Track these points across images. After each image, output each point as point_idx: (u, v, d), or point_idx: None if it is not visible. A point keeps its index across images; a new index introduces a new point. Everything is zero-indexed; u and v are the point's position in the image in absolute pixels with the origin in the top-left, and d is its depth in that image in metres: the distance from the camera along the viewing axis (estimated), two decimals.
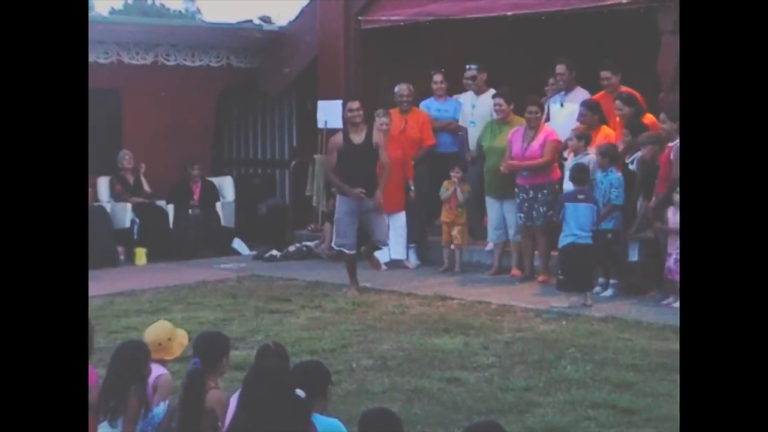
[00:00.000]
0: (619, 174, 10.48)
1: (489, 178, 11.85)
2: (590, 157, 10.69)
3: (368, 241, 11.46)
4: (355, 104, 10.72)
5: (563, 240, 10.33)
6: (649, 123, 10.68)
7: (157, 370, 5.76)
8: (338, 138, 10.93)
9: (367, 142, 10.71)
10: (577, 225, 10.22)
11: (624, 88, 11.17)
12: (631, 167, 10.54)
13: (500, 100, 11.77)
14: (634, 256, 10.54)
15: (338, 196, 11.00)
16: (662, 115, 10.25)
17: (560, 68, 11.75)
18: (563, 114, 11.67)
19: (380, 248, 11.57)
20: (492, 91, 12.28)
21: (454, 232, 12.15)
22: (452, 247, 12.24)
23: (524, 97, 11.57)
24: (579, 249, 10.21)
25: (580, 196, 10.30)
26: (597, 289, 10.61)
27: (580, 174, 10.41)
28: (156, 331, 6.14)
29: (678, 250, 9.75)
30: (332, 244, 11.46)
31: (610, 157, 10.48)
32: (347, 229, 10.83)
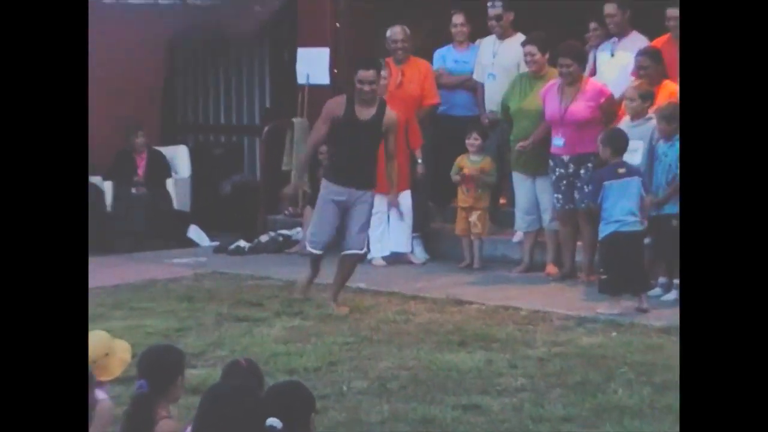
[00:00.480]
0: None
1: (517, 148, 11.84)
2: (652, 122, 10.67)
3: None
4: (370, 74, 10.29)
5: (604, 229, 10.31)
6: None
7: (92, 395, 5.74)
8: (338, 105, 10.59)
9: (376, 120, 10.41)
10: (621, 208, 10.20)
11: None
12: None
13: (533, 48, 11.75)
14: None
15: (323, 179, 10.83)
16: None
17: (610, 8, 11.73)
18: (615, 66, 11.72)
19: (350, 254, 10.68)
20: (520, 36, 12.26)
21: (473, 218, 12.15)
22: (471, 237, 12.24)
23: (556, 47, 11.55)
24: (626, 238, 10.21)
25: (621, 170, 10.26)
26: (657, 290, 10.61)
27: (618, 142, 10.37)
28: (90, 344, 6.11)
29: None
30: (306, 246, 11.08)
31: (676, 121, 10.44)
32: (323, 223, 10.65)
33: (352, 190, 10.42)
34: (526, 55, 11.82)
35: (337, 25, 13.98)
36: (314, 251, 10.64)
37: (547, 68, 11.76)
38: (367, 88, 10.25)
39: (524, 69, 11.96)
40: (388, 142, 10.53)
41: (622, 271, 10.23)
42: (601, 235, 10.40)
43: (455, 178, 12.21)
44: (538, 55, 11.72)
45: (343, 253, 10.60)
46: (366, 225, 10.70)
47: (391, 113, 10.50)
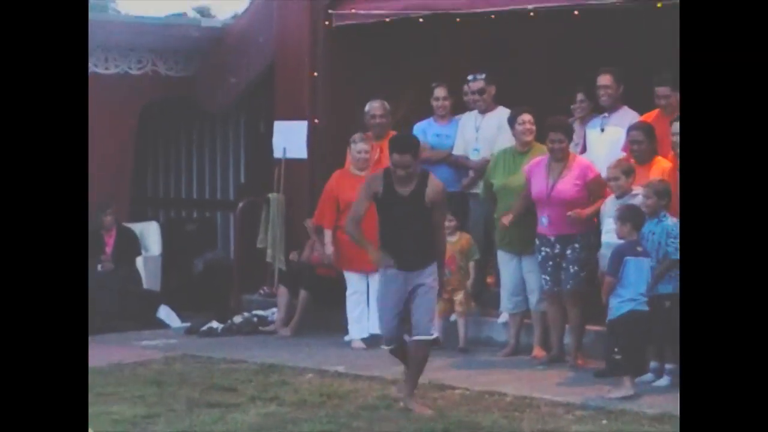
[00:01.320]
0: (676, 219, 10.46)
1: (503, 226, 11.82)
2: (638, 198, 10.68)
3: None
4: (406, 158, 9.68)
5: (620, 307, 10.25)
6: None
7: None
8: (377, 181, 9.98)
9: (418, 195, 9.77)
10: (637, 286, 10.21)
11: None
12: None
13: (528, 117, 11.77)
14: None
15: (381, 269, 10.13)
16: None
17: (605, 79, 11.75)
18: (605, 142, 11.74)
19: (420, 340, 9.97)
20: (502, 110, 12.34)
21: (457, 299, 12.14)
22: (454, 318, 12.20)
23: (544, 120, 11.58)
24: (641, 318, 10.21)
25: (639, 249, 10.28)
26: (648, 376, 10.56)
27: (637, 218, 10.36)
28: None
29: None
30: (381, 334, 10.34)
31: (664, 198, 10.47)
32: (388, 314, 9.98)
33: (410, 273, 9.82)
34: (520, 124, 11.80)
35: (316, 97, 13.98)
36: (387, 347, 10.13)
37: (535, 143, 11.77)
38: (401, 172, 9.70)
39: (506, 144, 11.96)
40: (434, 216, 9.88)
41: (636, 351, 10.22)
42: (617, 313, 10.34)
43: None
44: (532, 126, 11.75)
45: (411, 340, 9.97)
46: (431, 308, 9.98)
47: (434, 183, 9.88)
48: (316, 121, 13.86)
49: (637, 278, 10.21)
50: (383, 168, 10.30)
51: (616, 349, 10.36)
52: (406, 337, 9.99)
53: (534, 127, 11.75)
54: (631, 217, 10.41)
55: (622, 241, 10.39)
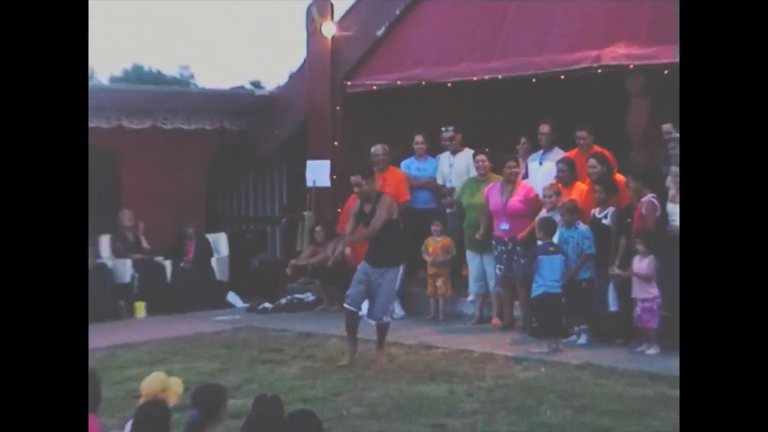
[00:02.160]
0: (586, 226, 10.51)
1: (470, 233, 11.83)
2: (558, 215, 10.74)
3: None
4: (356, 178, 9.83)
5: (537, 290, 10.31)
6: (619, 181, 10.72)
7: None
8: (354, 203, 10.28)
9: (374, 212, 9.77)
10: (549, 275, 10.21)
11: (596, 148, 11.21)
12: (605, 221, 10.53)
13: (483, 157, 11.81)
14: (614, 306, 10.47)
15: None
16: (628, 178, 10.33)
17: (545, 128, 11.76)
18: (541, 171, 11.68)
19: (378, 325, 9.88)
20: (468, 151, 12.34)
21: (439, 282, 12.16)
22: (437, 297, 12.21)
23: (499, 156, 11.58)
24: (551, 298, 10.21)
25: (551, 248, 10.31)
26: (573, 337, 10.56)
27: (549, 227, 10.43)
28: (151, 383, 6.04)
29: (649, 298, 9.81)
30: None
31: (575, 213, 10.54)
32: (353, 288, 9.86)
33: (374, 269, 9.78)
34: (477, 161, 11.82)
35: (336, 143, 13.99)
36: (348, 307, 9.82)
37: (490, 173, 11.79)
38: (356, 189, 9.90)
39: (473, 174, 11.99)
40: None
41: (548, 321, 10.22)
42: (534, 294, 10.39)
43: (425, 256, 12.25)
44: (487, 163, 11.76)
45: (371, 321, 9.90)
46: (386, 300, 9.88)
47: (385, 200, 9.89)
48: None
49: (550, 270, 10.20)
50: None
51: (533, 319, 10.42)
52: (364, 317, 9.90)
53: (488, 163, 11.76)
54: (545, 226, 10.46)
55: (541, 243, 10.45)
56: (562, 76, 12.00)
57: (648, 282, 9.90)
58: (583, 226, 10.51)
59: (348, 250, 12.57)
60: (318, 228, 13.48)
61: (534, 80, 12.16)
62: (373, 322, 9.86)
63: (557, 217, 10.62)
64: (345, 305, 9.87)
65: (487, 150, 11.93)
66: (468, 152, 12.39)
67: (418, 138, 12.93)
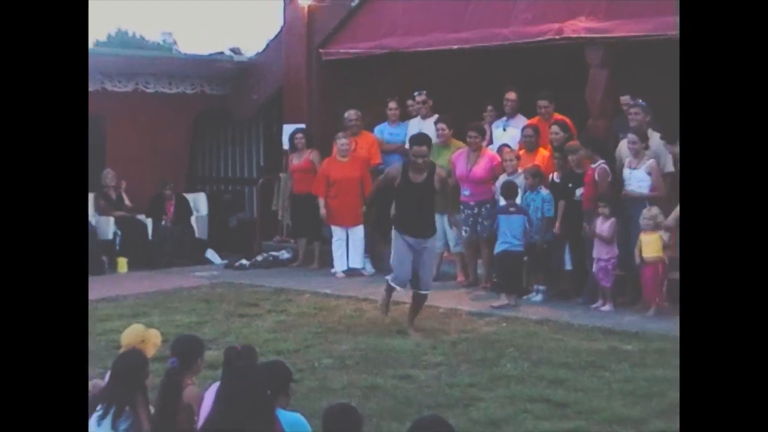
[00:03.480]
0: (548, 191, 10.58)
1: None
2: (521, 178, 10.78)
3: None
4: (422, 149, 9.07)
5: (498, 247, 10.41)
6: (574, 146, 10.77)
7: None
8: (395, 173, 9.23)
9: (428, 182, 9.06)
10: (510, 234, 10.30)
11: (557, 116, 11.24)
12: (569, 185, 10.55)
13: (443, 125, 11.75)
14: (569, 264, 10.58)
15: (393, 230, 9.38)
16: (579, 145, 10.37)
17: (511, 95, 11.76)
18: (505, 137, 11.69)
19: (421, 294, 9.34)
20: (436, 117, 12.30)
21: None
22: None
23: (466, 123, 11.58)
24: (511, 255, 10.29)
25: (512, 209, 10.38)
26: (532, 294, 10.64)
27: (510, 190, 10.50)
28: (130, 334, 6.07)
29: (606, 258, 9.91)
30: (389, 281, 9.35)
31: (538, 177, 10.59)
32: (401, 266, 9.18)
33: (419, 240, 9.15)
34: (438, 129, 11.76)
35: (311, 108, 13.96)
36: (398, 287, 9.28)
37: (452, 140, 11.77)
38: (420, 160, 9.04)
39: (436, 140, 11.98)
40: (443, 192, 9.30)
41: (508, 277, 10.31)
42: (496, 251, 10.46)
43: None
44: (447, 130, 11.74)
45: (415, 291, 9.31)
46: (432, 268, 9.55)
47: (440, 172, 9.24)
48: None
49: (510, 229, 10.30)
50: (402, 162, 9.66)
51: (494, 275, 10.51)
52: (409, 287, 9.28)
53: (448, 131, 11.68)
54: (506, 189, 10.53)
55: (503, 204, 10.50)
56: (526, 47, 11.99)
57: (609, 243, 9.99)
58: (544, 191, 10.58)
59: (323, 211, 12.62)
60: None
61: (503, 48, 12.11)
62: (423, 292, 9.30)
63: (518, 180, 10.67)
64: (392, 284, 9.28)
65: (453, 114, 11.91)
66: (437, 118, 12.36)
67: (392, 104, 12.91)
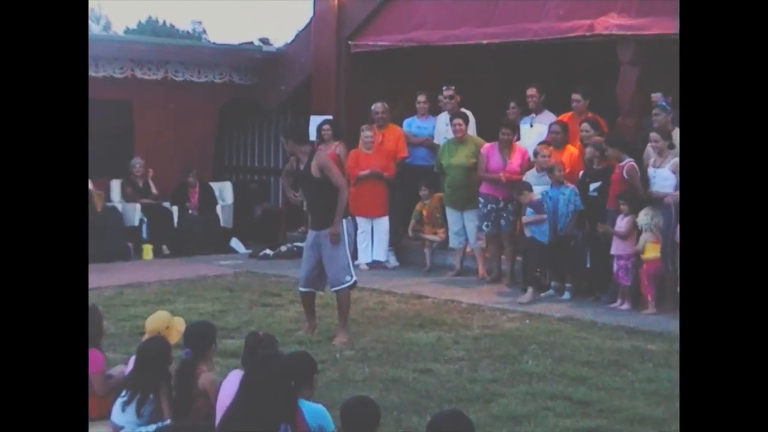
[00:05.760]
0: (573, 186, 10.52)
1: (449, 191, 11.82)
2: (553, 173, 10.71)
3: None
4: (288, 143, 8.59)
5: (528, 233, 10.48)
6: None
7: None
8: (291, 162, 8.76)
9: (306, 169, 8.41)
10: (538, 227, 10.30)
11: (589, 113, 11.17)
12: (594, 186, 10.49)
13: (460, 120, 11.70)
14: (588, 262, 10.51)
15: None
16: (605, 144, 10.30)
17: (531, 91, 11.69)
18: (533, 134, 11.62)
19: (338, 290, 8.58)
20: (465, 112, 12.25)
21: (429, 237, 12.31)
22: (434, 245, 12.31)
23: (497, 119, 11.53)
24: (538, 245, 10.38)
25: (537, 206, 10.41)
26: (550, 292, 10.61)
27: (525, 188, 10.58)
28: (155, 320, 6.12)
29: (625, 255, 9.86)
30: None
31: (562, 173, 10.58)
32: (304, 265, 8.73)
33: (316, 232, 8.60)
34: (455, 125, 11.71)
35: (338, 99, 13.94)
36: (300, 288, 8.85)
37: (468, 135, 11.73)
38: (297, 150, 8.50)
39: (453, 135, 11.89)
40: (332, 181, 8.36)
41: (531, 267, 10.48)
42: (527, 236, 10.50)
43: (413, 222, 12.37)
44: (464, 126, 11.69)
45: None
46: (338, 260, 8.47)
47: (318, 157, 8.47)
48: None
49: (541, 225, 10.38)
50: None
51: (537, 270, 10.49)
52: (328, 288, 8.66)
53: (464, 126, 11.63)
54: (521, 187, 10.59)
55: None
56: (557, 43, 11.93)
57: (627, 240, 9.93)
58: (569, 186, 10.51)
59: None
60: None
61: (533, 44, 12.01)
62: (333, 289, 8.67)
63: (545, 177, 10.64)
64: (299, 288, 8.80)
65: (465, 113, 11.83)
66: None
67: (421, 98, 12.87)
